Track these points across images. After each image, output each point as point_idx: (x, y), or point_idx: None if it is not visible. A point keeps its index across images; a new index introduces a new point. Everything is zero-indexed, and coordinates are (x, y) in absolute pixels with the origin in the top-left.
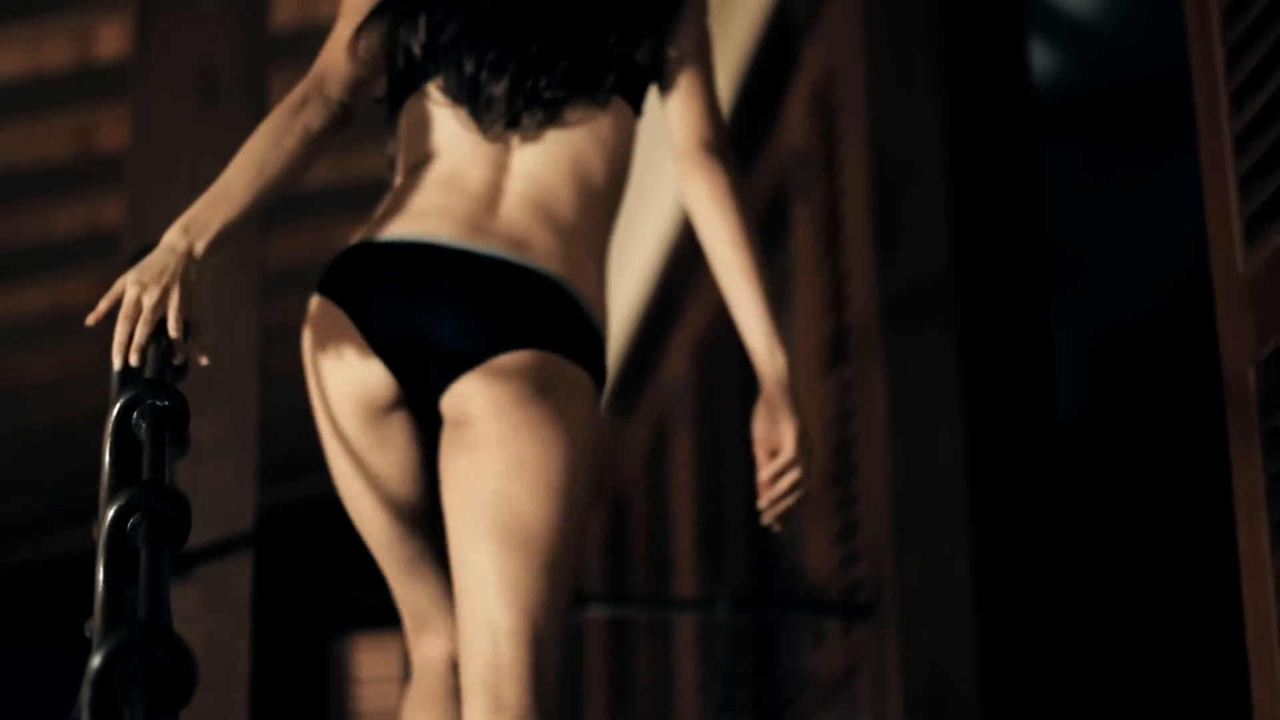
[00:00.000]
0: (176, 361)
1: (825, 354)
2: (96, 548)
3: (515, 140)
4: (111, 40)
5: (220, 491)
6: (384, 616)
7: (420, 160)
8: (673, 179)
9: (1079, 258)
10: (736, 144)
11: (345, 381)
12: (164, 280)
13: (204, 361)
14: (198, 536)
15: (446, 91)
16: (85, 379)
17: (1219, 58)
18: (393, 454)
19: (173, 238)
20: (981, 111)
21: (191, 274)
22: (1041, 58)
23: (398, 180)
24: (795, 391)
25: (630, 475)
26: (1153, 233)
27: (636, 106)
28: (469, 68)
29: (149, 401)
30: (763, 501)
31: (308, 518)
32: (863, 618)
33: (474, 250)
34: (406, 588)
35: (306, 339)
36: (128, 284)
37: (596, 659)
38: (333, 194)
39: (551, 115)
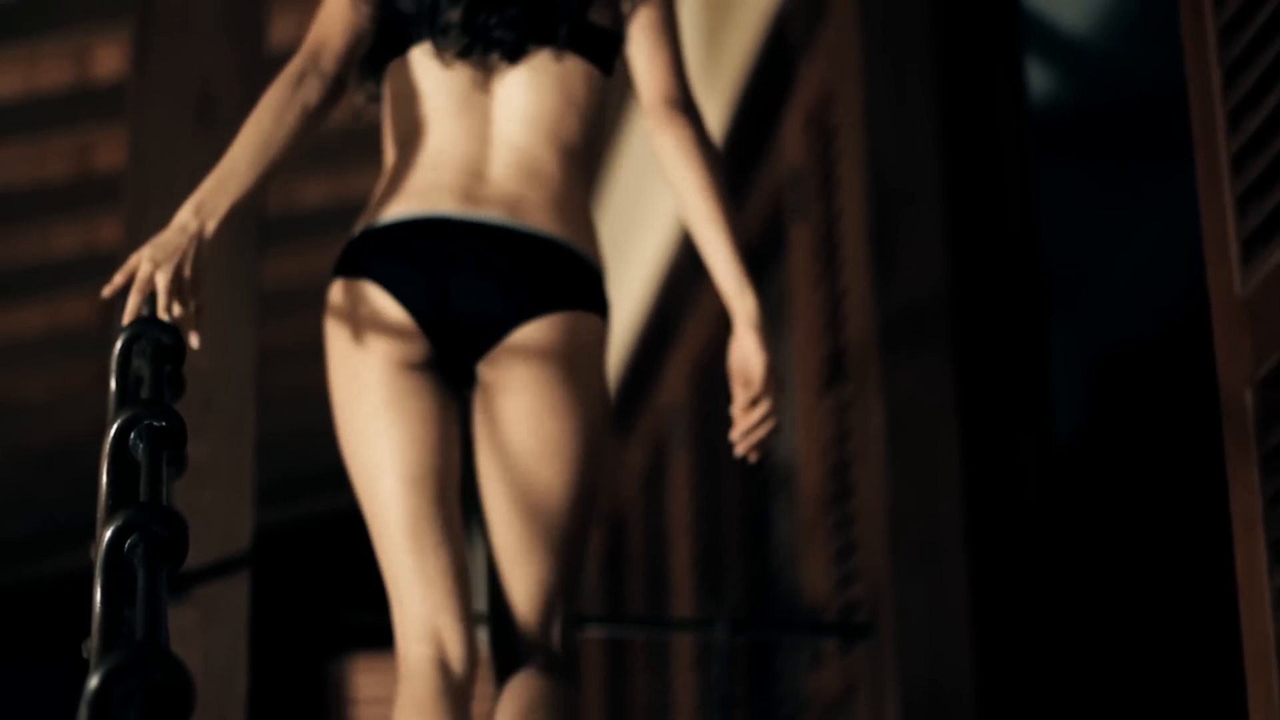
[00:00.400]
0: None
1: (822, 374)
2: (94, 568)
3: (494, 111)
4: (109, 61)
5: (218, 512)
6: (382, 637)
7: (406, 137)
8: (668, 200)
9: (1076, 277)
10: (733, 164)
11: (378, 336)
12: (176, 259)
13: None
14: (195, 557)
15: (410, 20)
16: (83, 399)
17: (1216, 77)
18: (422, 401)
19: (184, 218)
20: (978, 131)
21: (203, 254)
22: (1038, 77)
23: (388, 158)
24: (765, 329)
25: (628, 496)
26: (1149, 252)
27: (606, 69)
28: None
29: (146, 422)
30: (735, 432)
31: (305, 538)
32: (861, 638)
33: (477, 219)
34: (409, 569)
35: (331, 315)
36: (143, 259)
37: (594, 679)
38: (329, 214)
39: (506, 56)
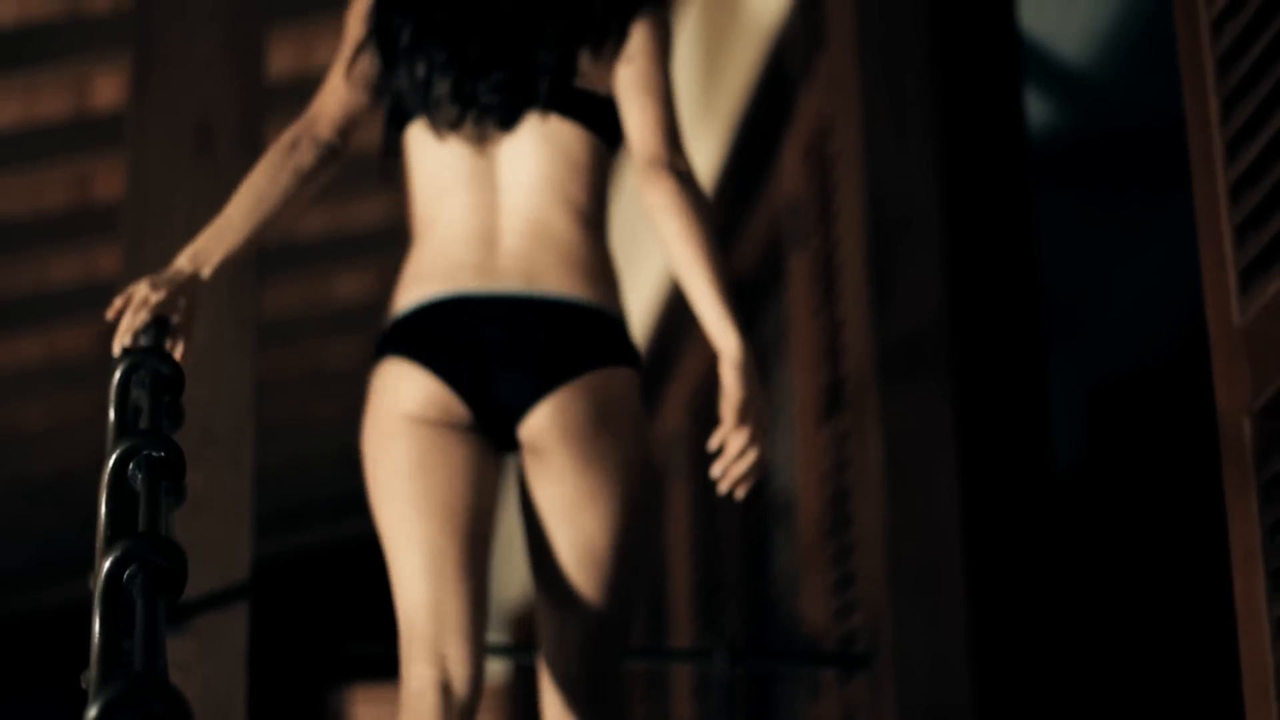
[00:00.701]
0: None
1: (821, 404)
2: (93, 598)
3: (499, 179)
4: (108, 90)
5: (216, 542)
6: (381, 668)
7: (422, 214)
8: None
9: (1075, 306)
10: (732, 193)
11: (423, 400)
12: (171, 285)
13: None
14: (194, 587)
15: (405, 96)
16: (81, 429)
17: (1213, 107)
18: (460, 449)
19: (181, 263)
20: (977, 161)
21: (197, 295)
22: (1036, 106)
23: (411, 234)
24: (749, 370)
25: None
26: (1148, 281)
27: (605, 135)
28: (420, 71)
29: (145, 452)
30: (715, 468)
31: (304, 569)
32: (859, 668)
33: (495, 292)
34: (423, 596)
35: (371, 394)
36: (140, 283)
37: None
38: (326, 245)
39: (499, 123)
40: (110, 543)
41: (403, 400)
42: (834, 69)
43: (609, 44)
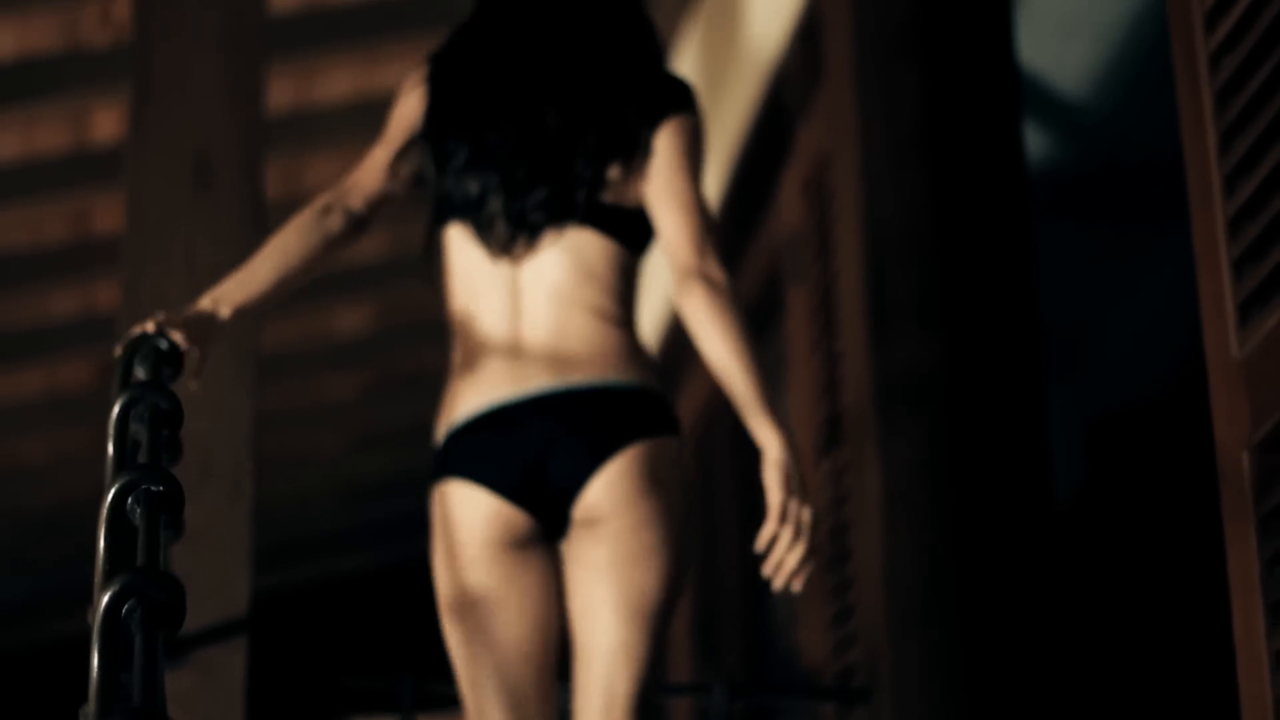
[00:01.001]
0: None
1: (820, 438)
2: (91, 632)
3: (523, 283)
4: (107, 124)
5: (215, 576)
6: (379, 701)
7: (457, 317)
8: (662, 268)
9: (1074, 340)
10: (731, 226)
11: (484, 523)
12: (185, 315)
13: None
14: (192, 621)
15: (455, 211)
16: (80, 463)
17: (1211, 141)
18: (528, 579)
19: (201, 302)
20: (976, 195)
21: (210, 324)
22: (1035, 141)
23: (453, 337)
24: (789, 468)
25: None
26: (1147, 315)
27: (630, 243)
28: (474, 190)
29: (144, 486)
30: (765, 567)
31: (303, 602)
32: (858, 702)
33: (530, 394)
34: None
35: (435, 518)
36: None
37: None
38: (326, 279)
39: (537, 235)
40: (109, 577)
41: (465, 527)
42: (832, 103)
43: (638, 154)
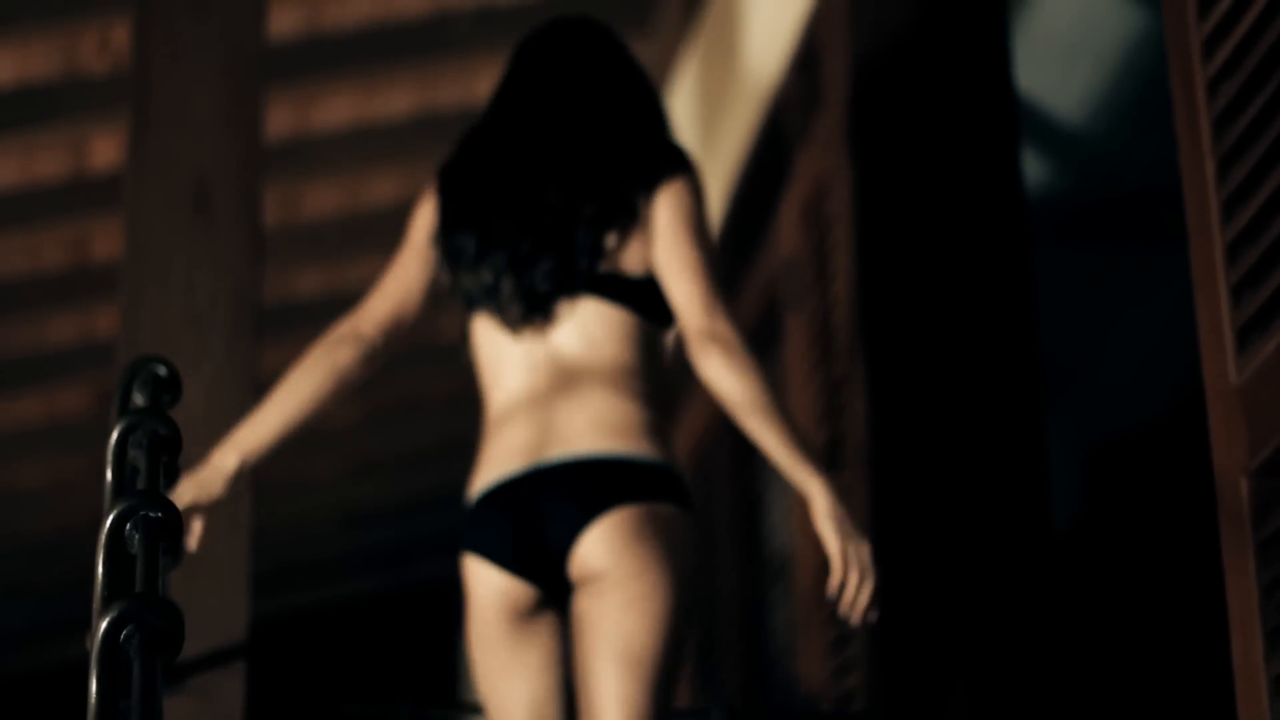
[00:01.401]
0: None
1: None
2: (90, 659)
3: (540, 357)
4: (106, 151)
5: (213, 602)
6: None
7: (486, 395)
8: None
9: (1073, 366)
10: (729, 253)
11: (493, 600)
12: (197, 473)
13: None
14: (191, 647)
15: (476, 301)
16: (79, 489)
17: (1209, 167)
18: (538, 652)
19: (217, 455)
20: (974, 221)
21: (217, 486)
22: (1034, 167)
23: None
24: (838, 514)
25: None
26: (1145, 341)
27: (645, 312)
28: (488, 278)
29: (142, 513)
30: (840, 612)
31: (300, 629)
32: None
33: (537, 466)
34: None
35: (465, 587)
36: (181, 497)
37: None
38: (324, 305)
39: (551, 306)
40: (107, 603)
41: (477, 601)
42: (831, 130)
43: (635, 221)
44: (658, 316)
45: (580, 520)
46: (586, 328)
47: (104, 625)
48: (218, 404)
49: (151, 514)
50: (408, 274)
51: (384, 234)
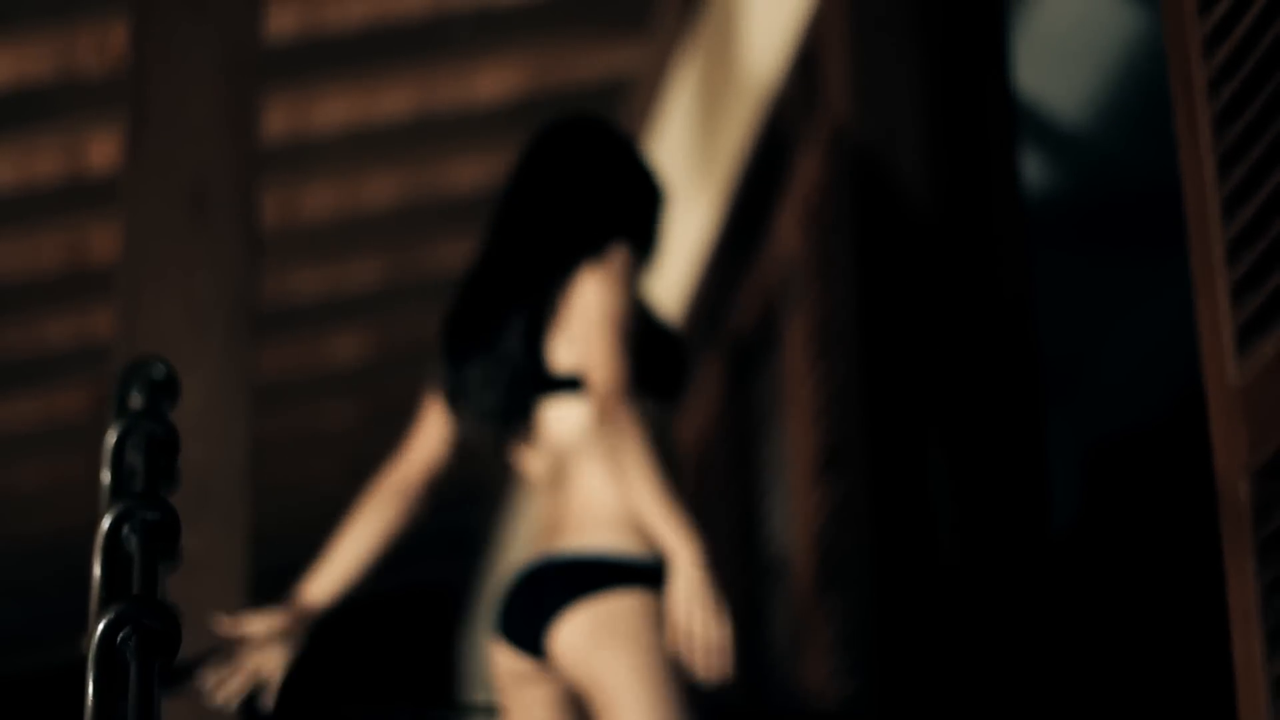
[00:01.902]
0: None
1: (816, 464)
2: (86, 661)
3: (533, 464)
4: (103, 153)
5: (211, 605)
6: None
7: None
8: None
9: (1072, 368)
10: (728, 255)
11: (502, 669)
12: (278, 656)
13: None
14: (188, 649)
15: (484, 425)
16: (76, 490)
17: (1209, 167)
18: (536, 708)
19: (283, 607)
20: (973, 223)
21: (279, 644)
22: (1033, 169)
23: None
24: (694, 583)
25: None
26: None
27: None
28: (475, 406)
29: (140, 515)
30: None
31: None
32: None
33: (526, 568)
34: None
35: None
36: (251, 656)
37: None
38: (323, 307)
39: (519, 421)
40: (104, 605)
41: (502, 671)
42: (830, 131)
43: (553, 318)
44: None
45: (541, 632)
46: (559, 429)
47: (101, 627)
48: (215, 405)
49: (149, 516)
50: (433, 421)
51: (382, 235)
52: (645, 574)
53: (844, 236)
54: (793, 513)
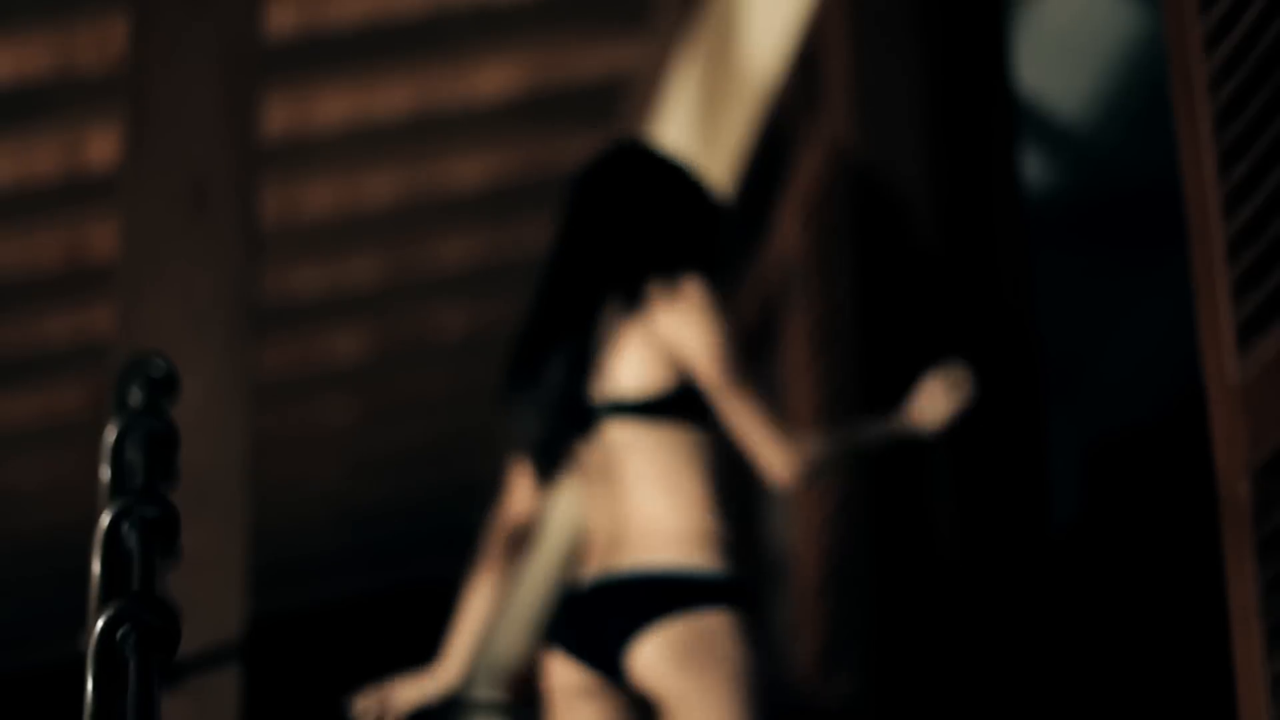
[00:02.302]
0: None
1: None
2: (85, 658)
3: (593, 485)
4: (102, 150)
5: (210, 602)
6: None
7: None
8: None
9: (1072, 366)
10: (728, 252)
11: (559, 682)
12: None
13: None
14: (187, 646)
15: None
16: (75, 488)
17: (1210, 165)
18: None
19: (425, 681)
20: (973, 221)
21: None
22: (1033, 166)
23: None
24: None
25: None
26: (1146, 341)
27: (662, 420)
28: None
29: (139, 512)
30: None
31: (298, 628)
32: None
33: (585, 586)
34: None
35: None
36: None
37: None
38: (323, 304)
39: (564, 455)
40: (104, 602)
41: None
42: (831, 130)
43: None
44: (680, 417)
45: (621, 648)
46: (617, 448)
47: (100, 624)
48: (215, 403)
49: (148, 513)
50: (517, 476)
51: (382, 232)
52: (726, 590)
53: (844, 235)
54: (793, 512)
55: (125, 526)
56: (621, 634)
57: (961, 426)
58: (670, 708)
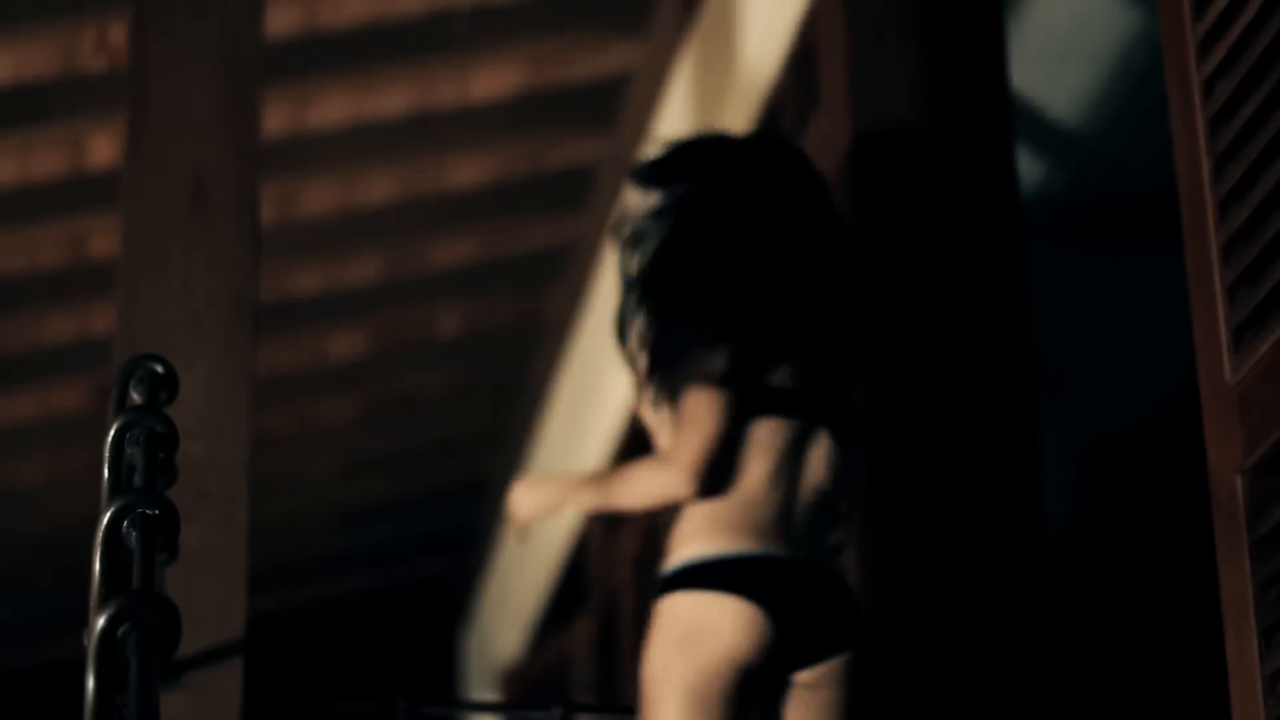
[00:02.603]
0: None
1: None
2: (86, 656)
3: None
4: (103, 149)
5: (210, 599)
6: None
7: None
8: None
9: (1067, 366)
10: None
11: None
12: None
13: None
14: (187, 644)
15: None
16: (76, 487)
17: (1205, 167)
18: None
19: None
20: (969, 221)
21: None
22: (1029, 167)
23: None
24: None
25: (620, 583)
26: (1140, 341)
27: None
28: None
29: (139, 510)
30: None
31: (298, 626)
32: None
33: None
34: None
35: None
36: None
37: None
38: (321, 303)
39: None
40: (104, 600)
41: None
42: (826, 129)
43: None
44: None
45: None
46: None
47: (101, 622)
48: (214, 402)
49: (148, 511)
50: None
51: (381, 232)
52: (695, 575)
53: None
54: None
55: (125, 525)
56: None
57: (960, 427)
58: None
